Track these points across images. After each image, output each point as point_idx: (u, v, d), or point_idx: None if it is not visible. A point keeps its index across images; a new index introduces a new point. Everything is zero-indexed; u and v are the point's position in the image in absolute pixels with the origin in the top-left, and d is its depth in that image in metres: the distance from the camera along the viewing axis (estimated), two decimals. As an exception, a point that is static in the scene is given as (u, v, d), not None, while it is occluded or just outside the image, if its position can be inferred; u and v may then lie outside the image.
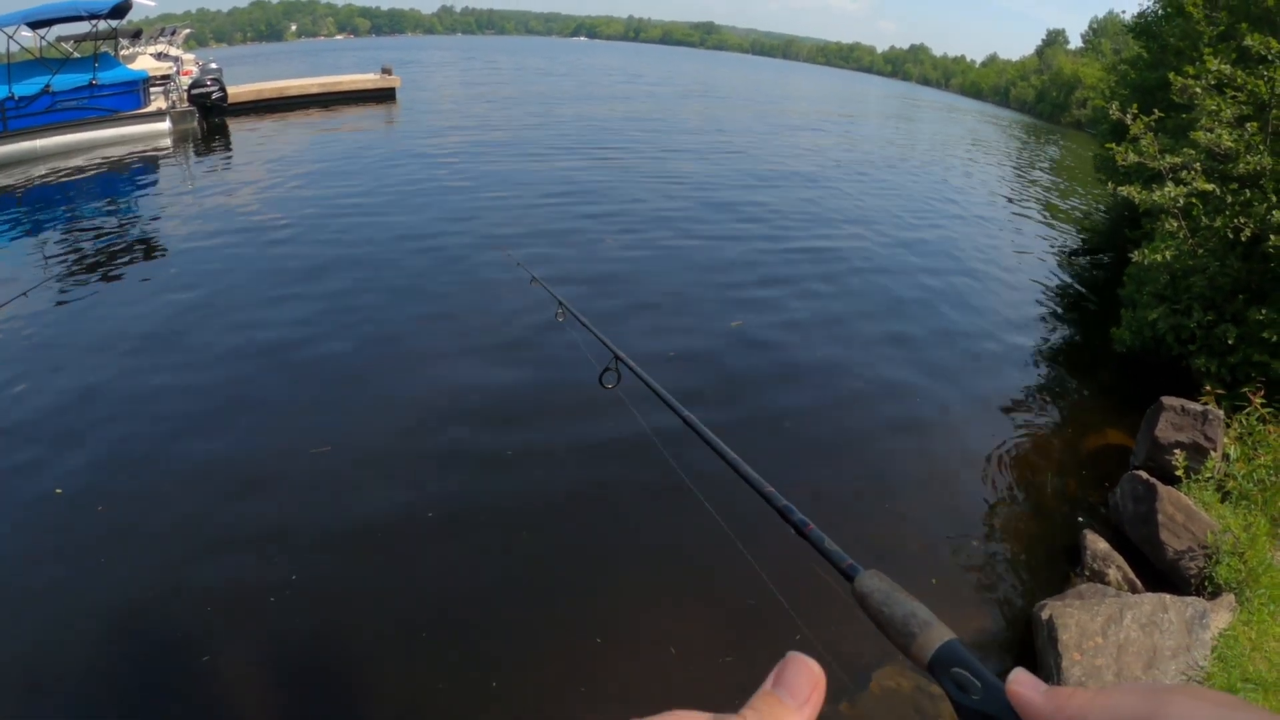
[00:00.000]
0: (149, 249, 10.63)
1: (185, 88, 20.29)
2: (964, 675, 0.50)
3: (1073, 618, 4.08)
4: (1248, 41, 7.28)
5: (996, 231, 15.14)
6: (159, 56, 24.20)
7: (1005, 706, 0.46)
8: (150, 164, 16.40)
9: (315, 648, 4.18)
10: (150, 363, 7.07)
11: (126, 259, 10.08)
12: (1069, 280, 12.60)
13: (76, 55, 17.84)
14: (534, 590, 4.65)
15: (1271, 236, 6.53)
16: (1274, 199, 6.74)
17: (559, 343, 7.38)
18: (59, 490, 5.22)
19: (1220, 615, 4.24)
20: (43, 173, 15.13)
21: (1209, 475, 5.52)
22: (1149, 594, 4.35)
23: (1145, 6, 12.98)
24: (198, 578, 4.51)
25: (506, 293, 9.14)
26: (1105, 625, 4.01)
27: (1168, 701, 0.38)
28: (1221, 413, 5.94)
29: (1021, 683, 0.45)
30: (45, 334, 7.73)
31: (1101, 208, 18.38)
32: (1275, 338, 6.58)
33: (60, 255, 10.23)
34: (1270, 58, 6.99)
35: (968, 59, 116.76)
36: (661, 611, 4.52)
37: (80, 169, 15.55)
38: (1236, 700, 0.38)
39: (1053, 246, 14.70)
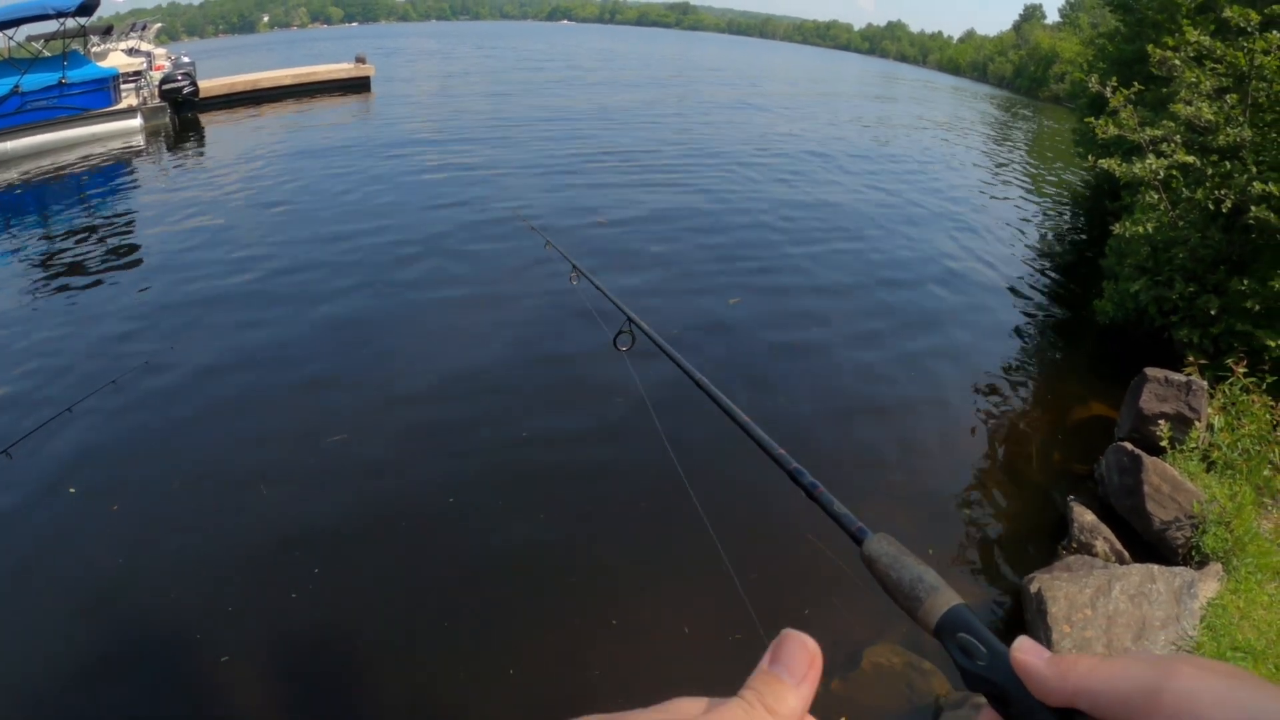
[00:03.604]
0: (121, 249, 10.47)
1: (156, 83, 19.98)
2: (970, 641, 0.50)
3: (1061, 590, 4.11)
4: (1227, 13, 7.28)
5: (976, 205, 15.18)
6: (130, 52, 23.70)
7: (1010, 674, 0.46)
8: (122, 162, 16.16)
9: (337, 640, 4.17)
10: (141, 362, 6.95)
11: (98, 260, 9.91)
12: (1049, 253, 12.67)
13: (46, 54, 17.51)
14: (551, 571, 4.68)
15: (1252, 208, 6.56)
16: (1254, 170, 6.77)
17: (572, 306, 7.54)
18: (72, 490, 5.18)
19: (1208, 584, 4.29)
20: (12, 175, 14.88)
21: (1194, 445, 5.57)
22: (1137, 565, 4.39)
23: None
24: (214, 575, 4.49)
25: (519, 258, 9.47)
26: (1094, 597, 4.05)
27: (1174, 672, 0.38)
28: (1205, 383, 5.99)
29: (1026, 650, 0.46)
30: (32, 339, 7.54)
31: (1080, 181, 18.49)
32: (1257, 308, 6.64)
33: (31, 258, 10.07)
34: (1249, 29, 7.00)
35: (945, 35, 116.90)
36: (674, 591, 4.55)
37: (51, 170, 15.31)
38: (1241, 671, 0.38)
39: (1033, 219, 14.77)
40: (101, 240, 10.75)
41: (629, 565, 4.82)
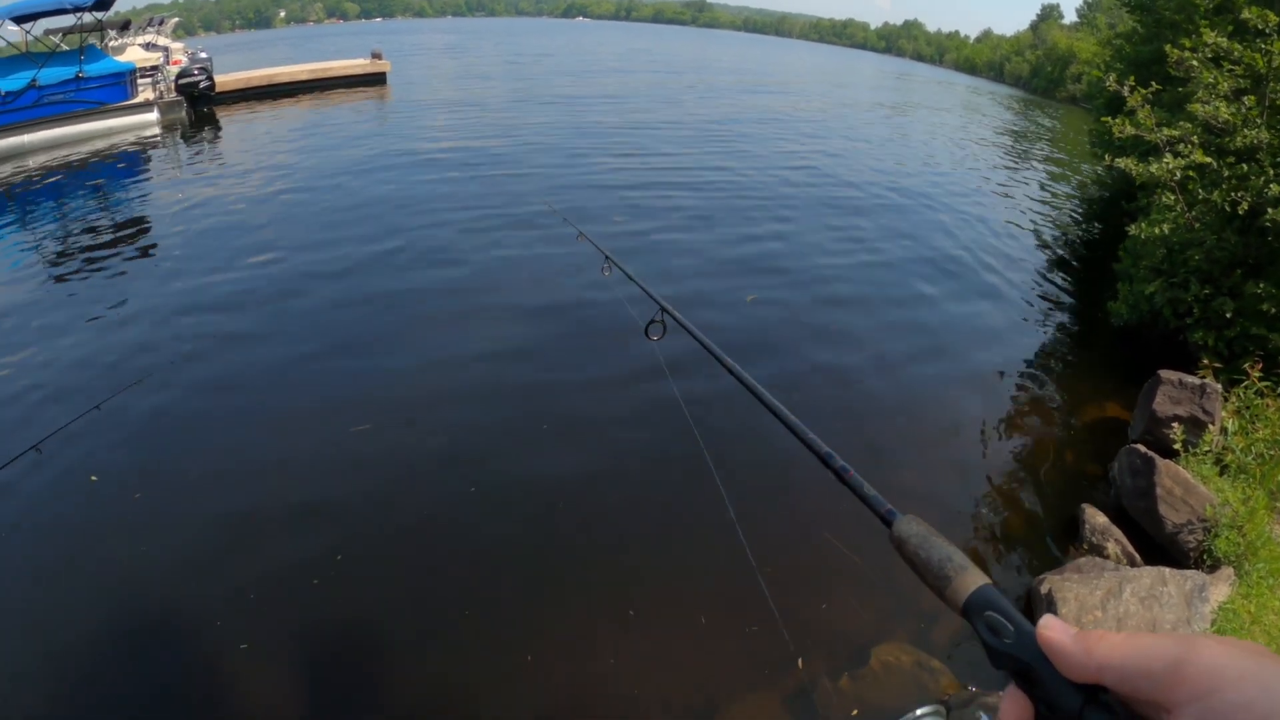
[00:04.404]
0: (139, 244, 10.53)
1: (173, 78, 20.12)
2: (997, 619, 0.52)
3: (1072, 592, 4.10)
4: (1245, 14, 7.22)
5: (990, 206, 15.08)
6: (148, 46, 23.88)
7: (1036, 651, 0.48)
8: (138, 155, 16.28)
9: (359, 627, 4.20)
10: (161, 351, 7.03)
11: (117, 255, 9.96)
12: (1064, 253, 12.59)
13: (64, 48, 17.66)
14: (570, 560, 4.73)
15: (1269, 210, 6.50)
16: (1271, 173, 6.71)
17: (603, 297, 7.69)
18: (94, 478, 5.22)
19: (1219, 588, 4.27)
20: (31, 168, 15.01)
21: (1207, 449, 5.54)
22: (1148, 567, 4.37)
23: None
24: (236, 564, 4.52)
25: (547, 249, 9.71)
26: (1105, 599, 4.04)
27: (1197, 648, 0.39)
28: (1219, 386, 5.95)
29: (1052, 628, 0.47)
30: (56, 336, 7.55)
31: (1095, 182, 18.37)
32: (1273, 311, 6.58)
33: (51, 254, 10.15)
34: (1268, 31, 6.94)
35: (962, 34, 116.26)
36: (690, 581, 4.57)
37: (68, 163, 15.43)
38: (1263, 649, 0.39)
39: (1047, 220, 14.67)
40: (120, 235, 10.83)
41: (646, 555, 4.85)
